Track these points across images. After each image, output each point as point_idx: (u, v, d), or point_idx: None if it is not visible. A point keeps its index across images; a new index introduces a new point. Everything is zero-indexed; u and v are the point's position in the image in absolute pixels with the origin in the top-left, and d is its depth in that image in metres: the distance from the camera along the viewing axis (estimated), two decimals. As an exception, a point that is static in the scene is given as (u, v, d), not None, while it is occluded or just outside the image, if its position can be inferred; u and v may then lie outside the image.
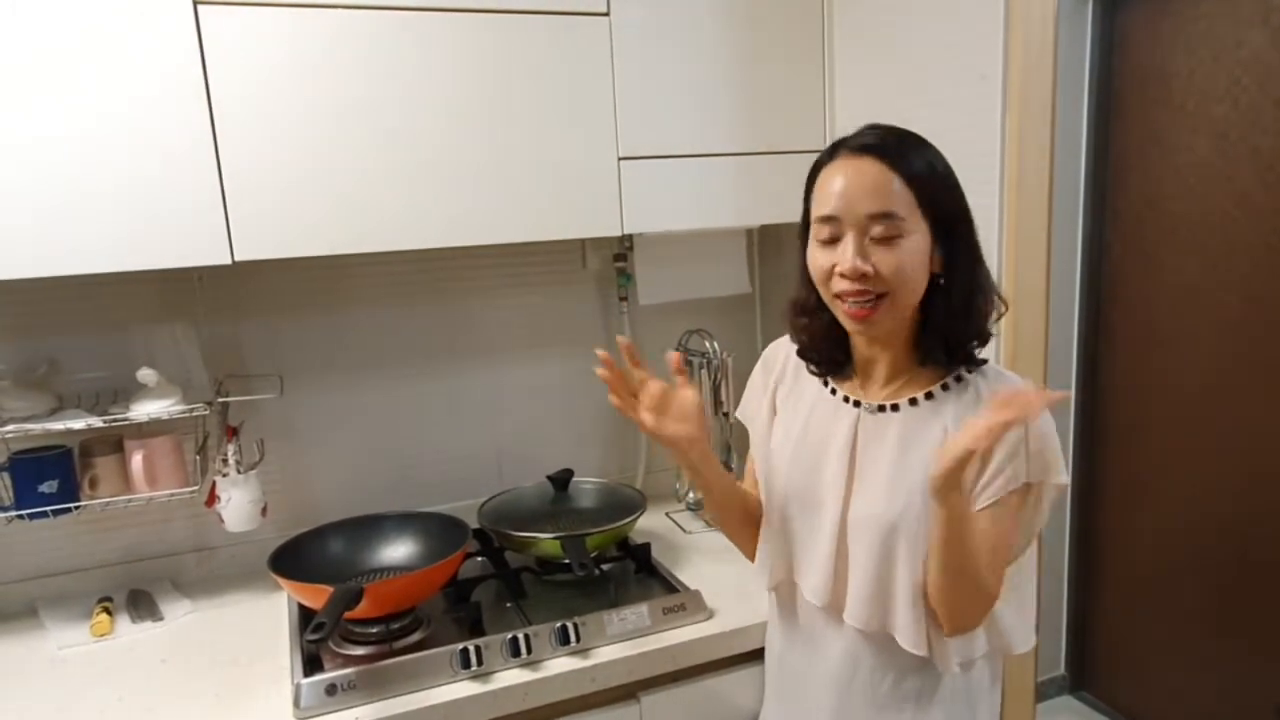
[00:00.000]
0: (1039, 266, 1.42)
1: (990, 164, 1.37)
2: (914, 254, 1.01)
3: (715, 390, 1.85)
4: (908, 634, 1.06)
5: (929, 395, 1.07)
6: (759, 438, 1.24)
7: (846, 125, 1.68)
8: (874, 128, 1.05)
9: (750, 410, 1.27)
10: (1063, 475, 1.05)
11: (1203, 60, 2.21)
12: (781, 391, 1.23)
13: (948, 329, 1.05)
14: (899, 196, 1.00)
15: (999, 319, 1.09)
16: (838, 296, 1.04)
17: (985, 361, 1.08)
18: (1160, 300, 2.41)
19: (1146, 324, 2.46)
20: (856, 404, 1.12)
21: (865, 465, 1.09)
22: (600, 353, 1.10)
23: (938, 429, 1.06)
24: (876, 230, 1.00)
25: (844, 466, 1.10)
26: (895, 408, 1.09)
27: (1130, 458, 2.57)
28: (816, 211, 1.05)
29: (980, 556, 1.01)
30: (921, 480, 1.02)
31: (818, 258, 1.05)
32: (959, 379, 1.07)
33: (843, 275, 1.02)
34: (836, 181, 1.02)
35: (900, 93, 1.57)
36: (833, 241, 1.03)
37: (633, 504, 1.65)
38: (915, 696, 1.12)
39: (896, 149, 1.02)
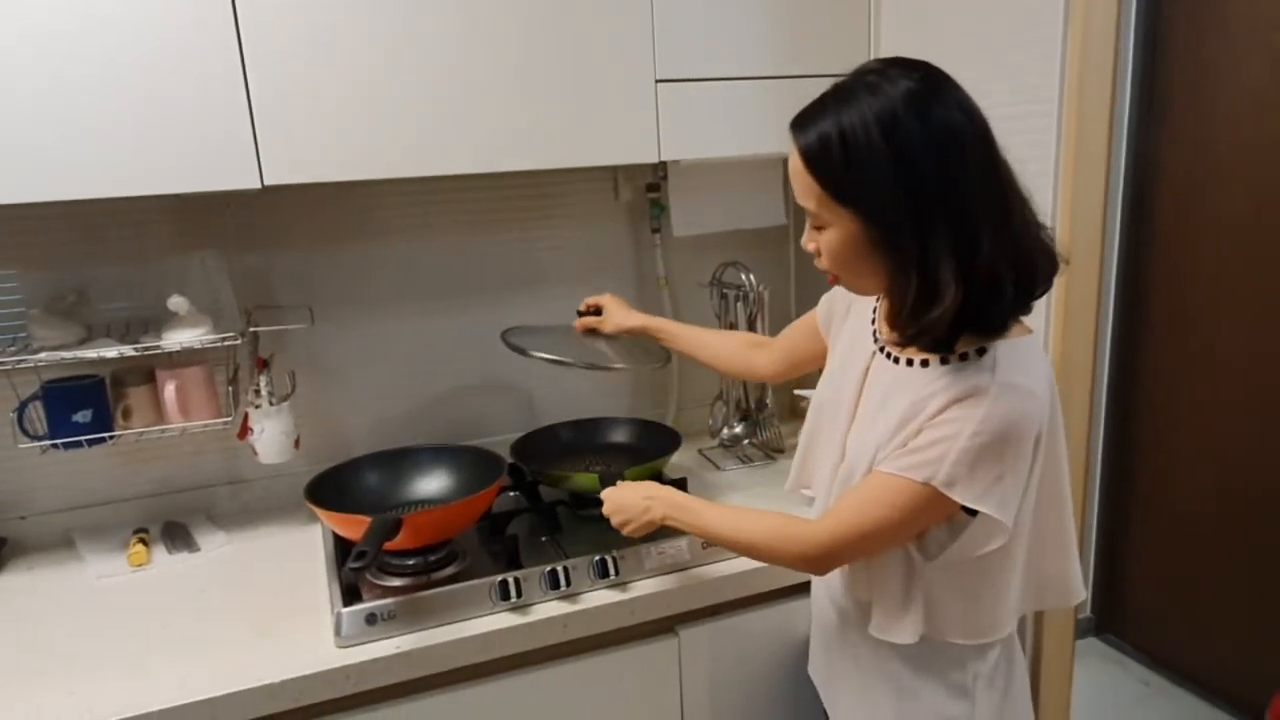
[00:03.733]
0: (1095, 204, 1.36)
1: (1050, 83, 1.31)
2: (836, 245, 0.97)
3: (750, 325, 1.81)
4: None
5: (924, 363, 1.01)
6: (821, 314, 1.28)
7: (891, 46, 1.63)
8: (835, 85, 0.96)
9: (837, 295, 1.23)
10: (974, 500, 0.94)
11: (1261, -18, 2.11)
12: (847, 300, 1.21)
13: (909, 317, 0.95)
14: (810, 188, 0.95)
15: (1041, 294, 0.97)
16: None
17: (984, 352, 0.96)
18: (1206, 236, 2.33)
19: (1190, 259, 2.39)
20: (878, 342, 1.10)
21: (865, 402, 1.09)
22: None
23: (906, 400, 1.00)
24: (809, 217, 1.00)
25: (853, 397, 1.11)
26: (896, 360, 1.05)
27: (1167, 398, 2.52)
28: None
29: (732, 538, 1.11)
30: (878, 437, 1.02)
31: None
32: (964, 357, 0.97)
33: None
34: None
35: (951, 10, 1.49)
36: None
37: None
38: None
39: (806, 121, 0.94)
